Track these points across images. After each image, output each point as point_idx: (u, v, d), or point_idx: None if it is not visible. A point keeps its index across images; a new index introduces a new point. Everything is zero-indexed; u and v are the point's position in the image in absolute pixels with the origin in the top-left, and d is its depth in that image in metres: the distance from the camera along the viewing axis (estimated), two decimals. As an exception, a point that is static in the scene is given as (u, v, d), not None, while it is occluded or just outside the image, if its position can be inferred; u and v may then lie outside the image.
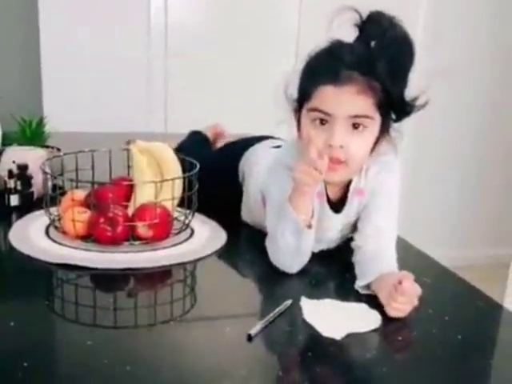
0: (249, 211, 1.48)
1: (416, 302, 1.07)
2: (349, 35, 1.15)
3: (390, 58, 1.10)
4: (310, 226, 1.19)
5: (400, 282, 1.05)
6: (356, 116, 1.13)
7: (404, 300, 1.05)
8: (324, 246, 1.34)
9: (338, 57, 1.13)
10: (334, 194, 1.29)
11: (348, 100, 1.12)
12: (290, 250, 1.20)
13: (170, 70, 3.07)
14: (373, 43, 1.12)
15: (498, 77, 3.68)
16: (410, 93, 1.15)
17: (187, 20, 3.07)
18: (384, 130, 1.18)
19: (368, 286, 1.16)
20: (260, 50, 3.16)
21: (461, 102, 3.62)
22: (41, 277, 1.22)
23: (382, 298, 1.09)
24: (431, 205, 3.76)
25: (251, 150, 1.57)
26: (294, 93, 1.21)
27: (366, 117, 1.14)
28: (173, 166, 1.39)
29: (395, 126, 1.20)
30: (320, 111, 1.14)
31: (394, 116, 1.19)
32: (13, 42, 2.92)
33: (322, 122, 1.15)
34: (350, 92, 1.11)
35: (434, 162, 3.70)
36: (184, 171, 1.39)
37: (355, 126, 1.14)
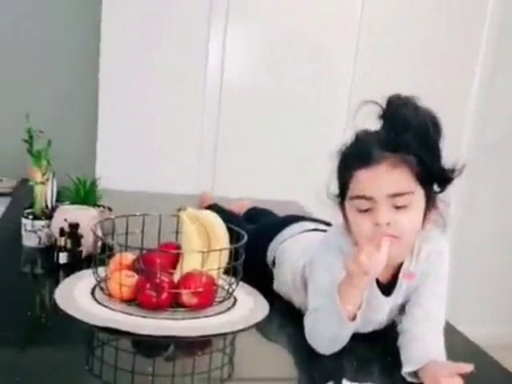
0: (284, 291, 1.49)
1: None
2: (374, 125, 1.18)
3: (418, 133, 1.11)
4: (354, 318, 1.18)
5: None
6: (394, 195, 1.13)
7: None
8: (372, 328, 1.32)
9: (368, 141, 1.16)
10: (384, 276, 1.27)
11: (384, 179, 1.13)
12: (328, 337, 1.19)
13: (221, 132, 3.11)
14: (394, 122, 1.13)
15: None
16: (447, 161, 1.16)
17: (242, 83, 3.12)
18: (430, 202, 1.18)
19: (415, 373, 1.13)
20: (311, 117, 3.19)
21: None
22: (82, 338, 1.23)
23: None
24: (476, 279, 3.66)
25: (283, 236, 1.58)
26: (334, 189, 1.23)
27: (407, 193, 1.13)
28: (221, 235, 1.40)
29: (441, 197, 1.20)
30: (360, 197, 1.15)
31: (437, 187, 1.18)
32: (71, 102, 3.01)
33: (367, 210, 1.15)
34: (384, 170, 1.12)
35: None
36: (231, 240, 1.40)
37: (397, 207, 1.14)
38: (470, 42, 3.29)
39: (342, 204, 1.22)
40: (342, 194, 1.21)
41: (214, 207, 2.06)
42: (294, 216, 1.73)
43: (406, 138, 1.11)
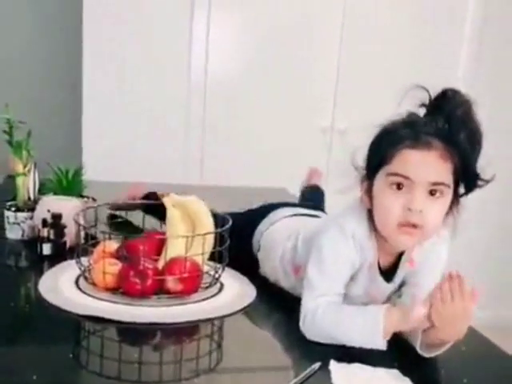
0: (271, 276, 1.47)
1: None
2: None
3: (467, 128, 1.11)
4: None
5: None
6: (435, 183, 1.12)
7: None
8: None
9: (418, 123, 1.14)
10: (385, 263, 1.26)
11: (430, 165, 1.11)
12: (340, 336, 1.16)
13: (208, 120, 3.10)
14: (446, 113, 1.12)
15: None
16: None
17: (227, 72, 3.12)
18: (454, 200, 1.17)
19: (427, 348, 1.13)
20: (296, 106, 3.19)
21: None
22: (67, 328, 1.21)
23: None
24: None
25: (269, 220, 1.55)
26: (361, 162, 1.20)
27: (444, 184, 1.13)
28: (205, 221, 1.38)
29: (462, 204, 1.19)
30: (401, 176, 1.13)
31: (463, 188, 1.18)
32: (55, 93, 2.99)
33: (399, 186, 1.13)
34: (433, 157, 1.11)
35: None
36: (216, 226, 1.39)
37: (432, 193, 1.13)
38: (455, 27, 3.30)
39: (368, 179, 1.19)
40: (374, 169, 1.18)
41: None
42: (281, 202, 1.72)
43: (461, 133, 1.10)
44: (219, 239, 1.37)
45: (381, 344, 1.13)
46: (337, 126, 3.21)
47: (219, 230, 1.37)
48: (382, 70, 3.12)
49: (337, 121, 3.22)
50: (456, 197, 1.17)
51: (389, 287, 1.28)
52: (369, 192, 1.19)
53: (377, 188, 1.18)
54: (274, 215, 1.56)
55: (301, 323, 1.20)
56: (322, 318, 1.17)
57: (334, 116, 3.25)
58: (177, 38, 2.99)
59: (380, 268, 1.26)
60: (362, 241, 1.21)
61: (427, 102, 1.15)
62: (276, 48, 3.12)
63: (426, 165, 1.11)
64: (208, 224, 1.38)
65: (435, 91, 1.14)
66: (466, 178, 1.15)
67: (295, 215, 1.56)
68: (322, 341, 1.17)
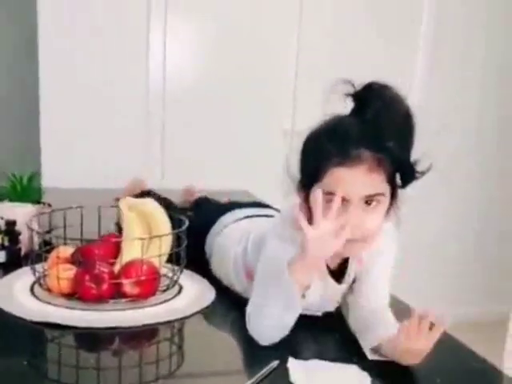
0: (225, 279, 1.46)
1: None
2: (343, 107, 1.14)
3: (395, 128, 1.09)
4: (303, 296, 1.16)
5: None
6: (369, 196, 1.11)
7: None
8: (322, 313, 1.32)
9: (344, 135, 1.11)
10: (333, 264, 1.26)
11: (361, 181, 1.09)
12: (274, 323, 1.15)
13: (167, 123, 3.09)
14: (372, 113, 1.09)
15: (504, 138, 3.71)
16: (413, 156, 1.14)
17: (185, 71, 3.12)
18: (393, 199, 1.16)
19: (375, 352, 1.13)
20: (257, 109, 3.19)
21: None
22: (22, 336, 1.19)
23: (399, 349, 1.07)
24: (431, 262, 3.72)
25: (219, 226, 1.55)
26: (296, 173, 1.18)
27: (379, 194, 1.12)
28: (161, 222, 1.37)
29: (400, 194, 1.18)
30: (334, 194, 1.09)
31: (400, 183, 1.17)
32: (12, 95, 2.94)
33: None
34: (363, 171, 1.09)
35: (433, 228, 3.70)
36: (173, 227, 1.38)
37: (368, 203, 1.12)
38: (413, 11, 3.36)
39: (303, 190, 1.17)
40: (309, 182, 1.15)
41: (151, 194, 2.03)
42: (232, 203, 1.71)
43: (388, 141, 1.08)
44: (176, 240, 1.36)
45: (295, 291, 1.12)
46: (297, 128, 3.21)
47: (175, 231, 1.36)
48: (340, 71, 3.13)
49: (298, 123, 3.22)
50: (395, 195, 1.16)
51: (341, 288, 1.28)
52: (306, 202, 1.16)
53: (312, 201, 1.14)
54: (226, 218, 1.55)
55: (247, 326, 1.19)
56: (252, 320, 1.18)
57: (294, 118, 3.26)
58: (134, 38, 2.98)
59: (330, 270, 1.25)
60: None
61: (354, 94, 1.13)
62: (234, 50, 3.12)
63: (357, 181, 1.09)
64: (164, 225, 1.37)
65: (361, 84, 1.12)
66: (401, 174, 1.14)
67: (248, 217, 1.56)
68: (265, 342, 1.15)
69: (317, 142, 1.14)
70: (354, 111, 1.13)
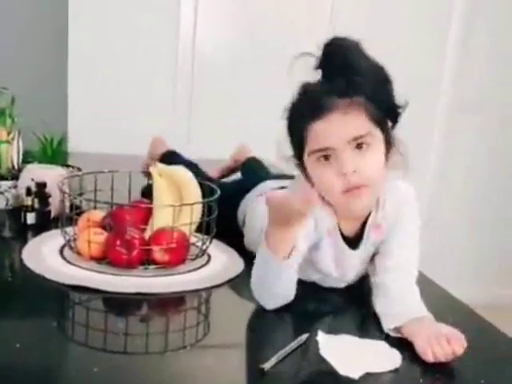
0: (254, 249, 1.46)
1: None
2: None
3: (361, 68, 1.09)
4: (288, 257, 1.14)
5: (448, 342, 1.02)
6: (355, 138, 1.10)
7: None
8: (344, 284, 1.31)
9: (315, 91, 1.13)
10: (349, 230, 1.25)
11: (339, 126, 1.10)
12: (268, 287, 1.17)
13: (195, 92, 3.08)
14: (336, 62, 1.11)
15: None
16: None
17: (216, 37, 3.09)
18: (389, 143, 1.16)
19: (396, 329, 1.11)
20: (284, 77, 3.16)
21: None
22: (52, 298, 1.19)
23: (419, 346, 1.05)
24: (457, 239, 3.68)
25: (254, 193, 1.54)
26: (289, 150, 1.19)
27: (365, 135, 1.11)
28: (193, 191, 1.37)
29: (400, 139, 1.18)
30: (320, 150, 1.12)
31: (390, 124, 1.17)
32: (41, 62, 2.94)
33: (326, 157, 1.12)
34: (337, 118, 1.10)
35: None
36: (204, 196, 1.37)
37: (358, 147, 1.11)
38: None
39: (300, 163, 1.18)
40: (299, 152, 1.17)
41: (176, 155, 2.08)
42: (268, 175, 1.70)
43: (353, 80, 1.08)
44: (207, 210, 1.35)
45: (269, 253, 1.13)
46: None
47: (206, 200, 1.35)
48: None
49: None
50: (389, 139, 1.15)
51: (356, 254, 1.26)
52: (305, 172, 1.18)
53: (309, 168, 1.16)
54: (262, 187, 1.54)
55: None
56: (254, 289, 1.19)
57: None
58: (165, 9, 2.96)
59: (344, 236, 1.24)
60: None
61: (318, 60, 1.13)
62: (266, 22, 3.09)
63: (334, 128, 1.10)
64: (195, 194, 1.36)
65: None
66: (386, 113, 1.14)
67: (283, 188, 1.54)
68: (266, 304, 1.18)
69: (292, 109, 1.17)
70: (322, 74, 1.14)
